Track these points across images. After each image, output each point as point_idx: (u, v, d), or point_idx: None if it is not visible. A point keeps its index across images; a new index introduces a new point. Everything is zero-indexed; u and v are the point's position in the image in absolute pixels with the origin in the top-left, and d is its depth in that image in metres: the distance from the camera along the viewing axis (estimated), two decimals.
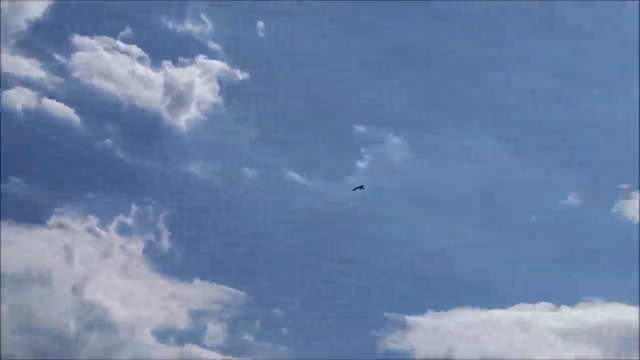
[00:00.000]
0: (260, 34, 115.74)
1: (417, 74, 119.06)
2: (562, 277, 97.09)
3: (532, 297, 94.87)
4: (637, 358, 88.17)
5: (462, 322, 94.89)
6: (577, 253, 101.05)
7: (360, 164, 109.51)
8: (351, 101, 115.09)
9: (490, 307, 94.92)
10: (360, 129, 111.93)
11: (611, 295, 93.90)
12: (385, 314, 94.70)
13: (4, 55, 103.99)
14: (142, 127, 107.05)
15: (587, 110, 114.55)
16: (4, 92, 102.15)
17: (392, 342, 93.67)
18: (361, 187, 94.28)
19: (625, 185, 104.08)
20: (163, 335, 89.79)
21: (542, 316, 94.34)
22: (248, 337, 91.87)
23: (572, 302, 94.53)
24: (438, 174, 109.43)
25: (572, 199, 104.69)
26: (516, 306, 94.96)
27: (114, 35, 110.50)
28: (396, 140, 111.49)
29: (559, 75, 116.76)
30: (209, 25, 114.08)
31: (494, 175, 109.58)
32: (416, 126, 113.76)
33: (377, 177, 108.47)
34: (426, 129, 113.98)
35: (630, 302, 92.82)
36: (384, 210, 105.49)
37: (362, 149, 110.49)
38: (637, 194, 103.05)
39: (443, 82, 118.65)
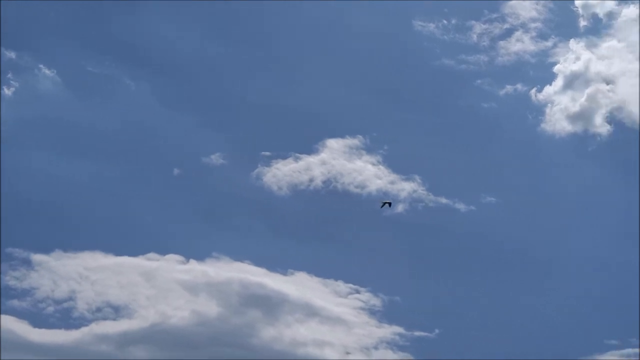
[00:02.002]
0: None
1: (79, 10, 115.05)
2: (195, 232, 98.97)
3: (162, 247, 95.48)
4: (257, 314, 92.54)
5: (90, 265, 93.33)
6: (212, 211, 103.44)
7: (6, 91, 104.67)
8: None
9: (120, 254, 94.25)
10: (10, 54, 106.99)
11: (238, 255, 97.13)
12: (8, 249, 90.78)
13: None
14: None
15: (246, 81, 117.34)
16: None
17: (13, 279, 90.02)
18: (389, 204, 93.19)
19: (267, 153, 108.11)
20: None
21: (170, 267, 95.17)
22: None
23: (201, 256, 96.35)
24: (87, 112, 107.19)
25: (216, 158, 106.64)
26: (146, 255, 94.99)
27: None
28: (48, 71, 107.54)
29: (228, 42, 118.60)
30: None
31: (146, 123, 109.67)
32: (70, 60, 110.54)
33: (23, 107, 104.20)
34: (80, 64, 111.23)
35: (254, 262, 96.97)
36: (24, 142, 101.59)
37: (9, 75, 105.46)
38: (278, 161, 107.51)
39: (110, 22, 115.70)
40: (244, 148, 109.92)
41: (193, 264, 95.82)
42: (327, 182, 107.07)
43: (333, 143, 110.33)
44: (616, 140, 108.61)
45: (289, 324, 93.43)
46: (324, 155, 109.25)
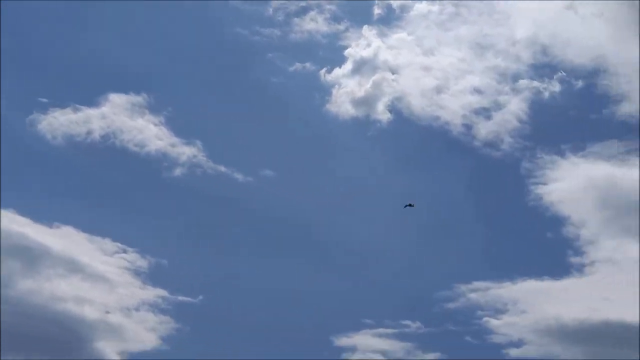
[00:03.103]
0: None
1: None
2: None
3: None
4: (15, 265, 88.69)
5: None
6: None
7: None
8: None
9: None
10: None
11: (2, 202, 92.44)
12: None
13: None
14: None
15: None
16: None
17: None
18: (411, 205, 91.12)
19: (45, 100, 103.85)
20: None
21: None
22: None
23: None
24: None
25: None
26: None
27: None
28: None
29: None
30: None
31: None
32: None
33: None
34: None
35: (18, 211, 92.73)
36: None
37: None
38: (55, 110, 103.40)
39: None
40: (19, 92, 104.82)
41: None
42: (105, 137, 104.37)
43: (116, 98, 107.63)
44: (394, 129, 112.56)
45: (50, 278, 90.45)
46: (105, 109, 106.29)
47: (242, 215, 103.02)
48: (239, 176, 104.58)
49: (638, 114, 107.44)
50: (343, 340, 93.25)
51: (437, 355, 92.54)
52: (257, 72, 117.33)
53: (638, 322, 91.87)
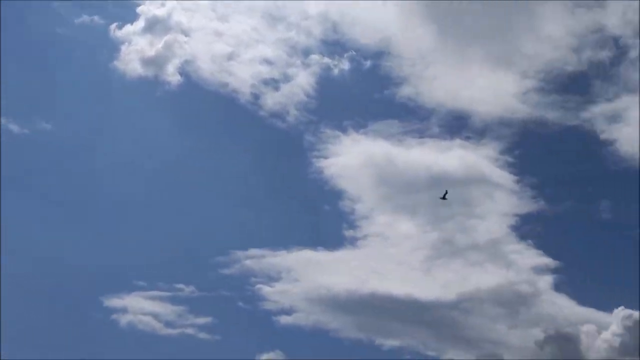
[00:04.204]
0: None
1: None
2: None
3: None
4: None
5: None
6: None
7: None
8: None
9: None
10: None
11: None
12: None
13: None
14: None
15: None
16: None
17: None
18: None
19: None
20: None
21: None
22: None
23: None
24: None
25: None
26: None
27: None
28: None
29: None
30: None
31: None
32: None
33: None
34: None
35: None
36: None
37: None
38: None
39: None
40: None
41: None
42: None
43: None
44: (183, 92, 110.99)
45: None
46: None
47: (15, 169, 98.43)
48: (14, 127, 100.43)
49: (416, 97, 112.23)
50: (113, 302, 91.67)
51: (208, 319, 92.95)
52: (40, 22, 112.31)
53: (402, 294, 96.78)
